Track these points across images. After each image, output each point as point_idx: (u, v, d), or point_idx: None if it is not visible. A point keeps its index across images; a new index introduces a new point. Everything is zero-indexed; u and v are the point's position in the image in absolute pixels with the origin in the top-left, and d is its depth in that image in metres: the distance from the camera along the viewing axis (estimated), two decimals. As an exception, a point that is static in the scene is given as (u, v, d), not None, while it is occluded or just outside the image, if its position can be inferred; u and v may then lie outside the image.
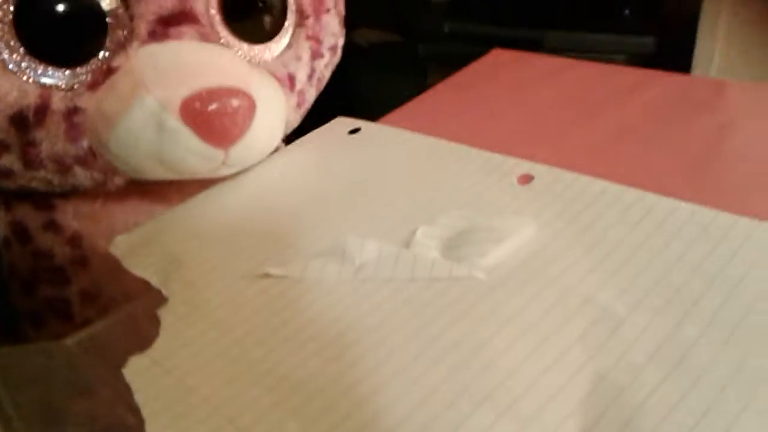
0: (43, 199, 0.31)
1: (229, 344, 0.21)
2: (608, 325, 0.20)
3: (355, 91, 0.84)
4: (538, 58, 0.39)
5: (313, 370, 0.19)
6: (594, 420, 0.17)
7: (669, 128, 0.31)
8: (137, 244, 0.27)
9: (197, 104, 0.25)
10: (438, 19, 0.95)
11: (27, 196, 0.31)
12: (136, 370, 0.20)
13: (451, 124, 0.32)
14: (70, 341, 0.24)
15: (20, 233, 0.31)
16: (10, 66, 0.26)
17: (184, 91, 0.26)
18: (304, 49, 0.32)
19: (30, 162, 0.27)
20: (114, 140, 0.26)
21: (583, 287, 0.22)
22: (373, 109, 0.36)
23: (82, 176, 0.28)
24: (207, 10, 0.28)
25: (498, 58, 0.39)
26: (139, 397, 0.19)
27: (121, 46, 0.27)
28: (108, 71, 0.27)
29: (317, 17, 0.33)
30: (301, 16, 0.32)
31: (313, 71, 0.33)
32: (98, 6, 0.26)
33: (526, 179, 0.27)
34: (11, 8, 0.25)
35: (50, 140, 0.27)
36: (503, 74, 0.37)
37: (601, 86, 0.35)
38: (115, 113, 0.26)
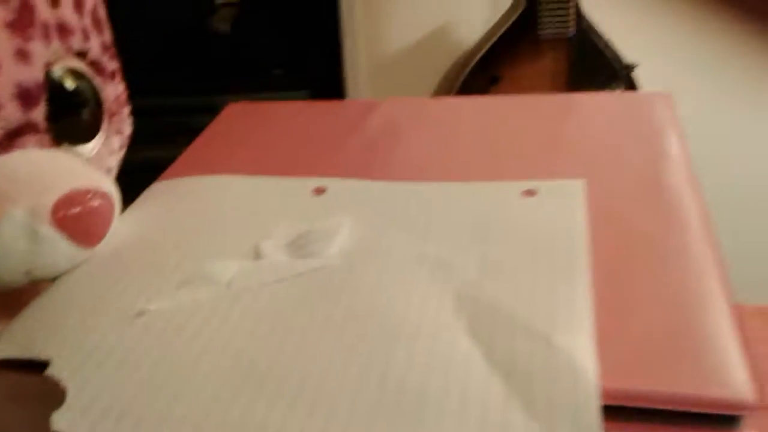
0: None
1: (137, 379, 0.22)
2: (441, 266, 0.27)
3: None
4: (271, 105, 0.44)
5: (229, 384, 0.22)
6: (472, 319, 0.24)
7: (401, 136, 0.39)
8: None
9: (67, 209, 0.26)
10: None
11: None
12: (72, 422, 0.21)
13: (222, 172, 0.36)
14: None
15: None
16: None
17: (50, 198, 0.26)
18: (115, 142, 0.34)
19: None
20: None
21: (410, 249, 0.28)
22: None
23: None
24: (42, 119, 0.28)
25: (235, 110, 0.44)
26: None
27: None
28: None
29: (120, 113, 0.35)
30: (110, 113, 0.33)
31: (119, 161, 0.35)
32: None
33: (321, 191, 0.33)
34: None
35: None
36: (249, 122, 0.42)
37: (334, 118, 0.42)
38: None
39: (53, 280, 0.28)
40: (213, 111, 1.13)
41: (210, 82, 1.08)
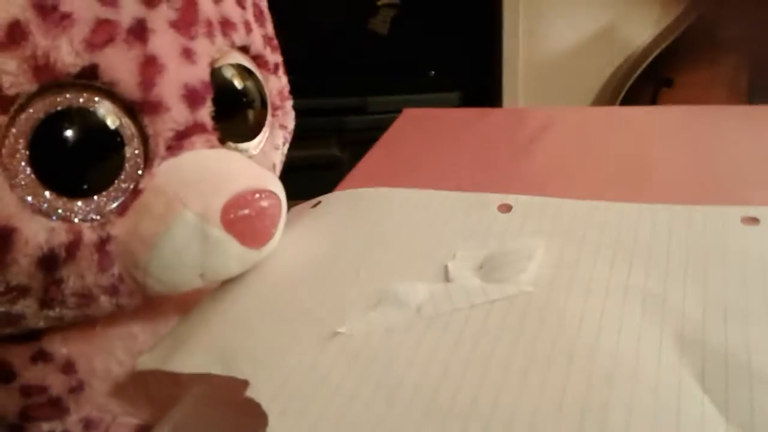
0: (29, 331, 0.28)
1: (338, 407, 0.21)
2: (655, 301, 0.24)
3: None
4: (447, 112, 0.43)
5: (434, 415, 0.20)
6: (700, 367, 0.21)
7: (589, 148, 0.36)
8: (171, 350, 0.26)
9: (237, 211, 0.26)
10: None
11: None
12: None
13: (405, 180, 0.34)
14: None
15: (2, 371, 0.29)
16: (35, 207, 0.24)
17: (220, 200, 0.26)
18: (278, 137, 0.34)
19: (49, 302, 0.26)
20: (155, 261, 0.26)
21: (614, 278, 0.25)
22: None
23: (106, 305, 0.27)
24: (209, 118, 0.28)
25: (411, 116, 0.43)
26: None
27: (140, 166, 0.26)
28: (135, 193, 0.26)
29: (283, 107, 0.34)
30: (273, 107, 0.33)
31: (283, 156, 0.34)
32: (113, 130, 0.25)
33: (506, 208, 0.31)
34: (26, 151, 0.24)
35: (79, 275, 0.25)
36: (424, 129, 0.41)
37: (510, 127, 0.40)
38: (154, 234, 0.25)
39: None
40: (364, 112, 1.14)
41: (362, 82, 1.08)
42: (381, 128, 0.42)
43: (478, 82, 1.06)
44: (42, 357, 0.29)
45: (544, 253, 0.27)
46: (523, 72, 0.98)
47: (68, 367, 0.29)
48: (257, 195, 0.27)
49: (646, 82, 0.90)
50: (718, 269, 0.25)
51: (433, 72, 1.09)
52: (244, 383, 0.22)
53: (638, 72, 0.89)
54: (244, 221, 0.26)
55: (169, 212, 0.26)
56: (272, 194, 0.27)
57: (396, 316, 0.24)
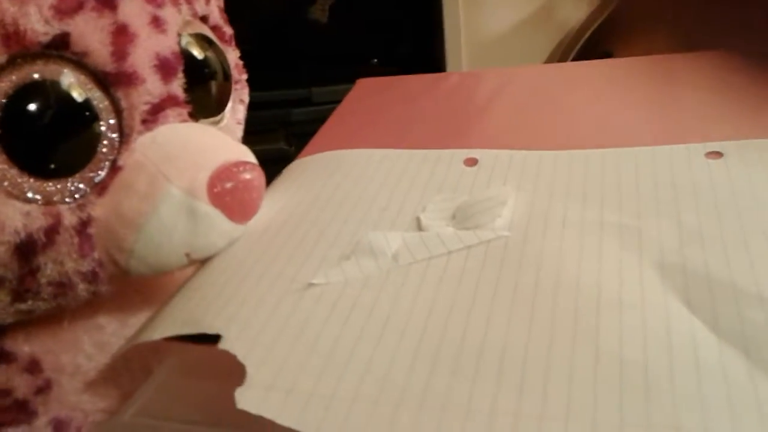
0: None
1: (319, 356, 0.20)
2: (631, 234, 0.24)
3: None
4: (402, 79, 0.43)
5: (423, 356, 0.20)
6: (683, 290, 0.21)
7: (546, 102, 0.37)
8: (142, 328, 0.25)
9: (223, 183, 0.25)
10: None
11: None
12: (258, 401, 0.18)
13: (364, 145, 0.34)
14: (126, 416, 0.22)
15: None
16: (9, 191, 0.23)
17: (204, 174, 0.25)
18: (240, 112, 0.33)
19: (24, 293, 0.24)
20: (141, 242, 0.24)
21: (588, 217, 0.25)
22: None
23: (83, 293, 0.26)
24: (181, 91, 0.27)
25: (366, 87, 0.43)
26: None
27: (116, 142, 0.25)
28: (114, 171, 0.25)
29: (241, 80, 0.33)
30: (234, 81, 0.32)
31: (242, 133, 0.34)
32: (86, 104, 0.24)
33: (472, 162, 0.31)
34: None
35: (57, 261, 0.24)
36: (382, 97, 0.40)
37: (467, 88, 0.40)
38: (139, 213, 0.24)
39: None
40: (309, 104, 1.12)
41: (306, 73, 1.07)
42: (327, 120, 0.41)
43: (420, 67, 1.06)
44: (3, 358, 0.27)
45: (517, 200, 0.27)
46: (465, 55, 0.98)
47: (33, 366, 0.28)
48: (241, 167, 0.26)
49: (586, 56, 0.91)
50: (689, 202, 0.26)
51: (375, 60, 1.09)
52: (220, 351, 0.21)
53: (578, 47, 0.90)
54: (231, 194, 0.25)
55: (154, 189, 0.24)
56: (255, 166, 0.26)
57: (372, 265, 0.24)
